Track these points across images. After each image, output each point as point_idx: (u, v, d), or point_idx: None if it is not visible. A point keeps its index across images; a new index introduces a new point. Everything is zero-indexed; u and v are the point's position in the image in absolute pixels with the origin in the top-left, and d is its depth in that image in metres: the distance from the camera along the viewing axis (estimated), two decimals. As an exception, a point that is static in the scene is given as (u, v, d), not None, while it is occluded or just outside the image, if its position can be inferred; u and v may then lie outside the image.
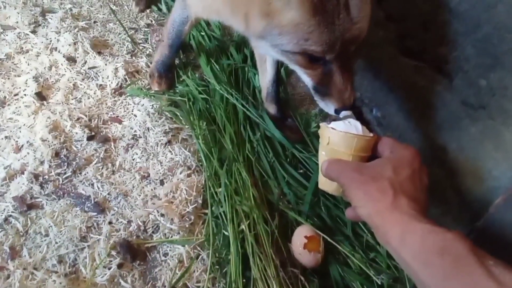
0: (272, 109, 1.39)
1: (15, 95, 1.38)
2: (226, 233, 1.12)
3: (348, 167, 0.78)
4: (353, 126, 0.85)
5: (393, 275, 1.07)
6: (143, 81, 1.50)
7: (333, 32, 0.81)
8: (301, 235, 1.09)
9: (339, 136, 0.83)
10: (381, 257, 1.11)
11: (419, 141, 1.21)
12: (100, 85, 1.46)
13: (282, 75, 1.53)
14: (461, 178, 1.07)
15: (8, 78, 1.41)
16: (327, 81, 0.90)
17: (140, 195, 1.20)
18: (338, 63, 0.87)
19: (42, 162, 1.22)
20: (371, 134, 0.84)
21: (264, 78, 1.37)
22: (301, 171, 1.30)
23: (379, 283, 1.06)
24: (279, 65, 1.35)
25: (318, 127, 1.41)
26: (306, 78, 0.95)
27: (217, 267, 1.08)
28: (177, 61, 1.55)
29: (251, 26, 0.89)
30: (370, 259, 1.11)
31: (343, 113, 0.91)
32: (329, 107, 0.94)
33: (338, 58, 0.86)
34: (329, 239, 1.09)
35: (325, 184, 0.89)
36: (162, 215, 1.16)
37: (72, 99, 1.41)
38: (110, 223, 1.14)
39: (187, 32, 1.35)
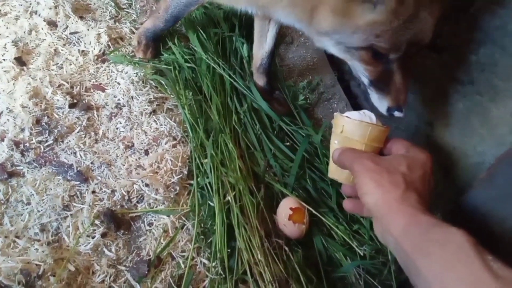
0: (261, 80, 1.36)
1: (-7, 59, 1.32)
2: (211, 204, 1.12)
3: (363, 155, 0.80)
4: (367, 117, 0.86)
5: (376, 247, 1.09)
6: (127, 48, 1.45)
7: (404, 34, 0.82)
8: (286, 207, 1.09)
9: (353, 124, 0.84)
10: (364, 229, 1.13)
11: (406, 116, 1.21)
12: (82, 51, 1.41)
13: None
14: (447, 154, 1.08)
15: (-15, 42, 1.35)
16: (385, 79, 0.91)
17: (124, 165, 1.18)
18: (399, 62, 0.88)
19: (22, 130, 1.18)
20: (385, 126, 0.85)
21: (261, 49, 1.33)
22: (288, 143, 1.29)
23: (362, 254, 1.08)
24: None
25: (306, 99, 1.42)
26: (364, 73, 0.94)
27: (202, 237, 1.09)
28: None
29: (317, 22, 0.88)
30: (354, 230, 1.13)
31: (396, 113, 0.92)
32: (382, 104, 0.94)
33: (400, 58, 0.87)
34: (313, 211, 1.10)
35: (335, 172, 0.89)
36: (147, 185, 1.15)
37: (53, 65, 1.36)
38: (93, 192, 1.12)
39: (191, 11, 1.30)
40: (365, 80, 0.96)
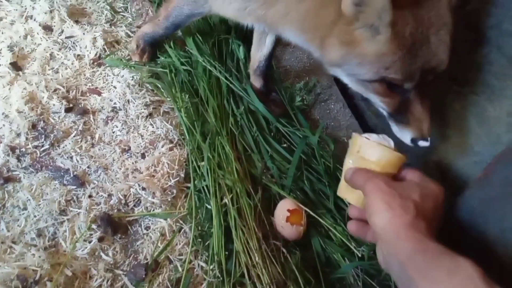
0: (258, 82, 1.36)
1: (-11, 65, 1.32)
2: (208, 206, 1.11)
3: (377, 176, 0.79)
4: (386, 141, 0.85)
5: (373, 248, 1.08)
6: (123, 52, 1.45)
7: (415, 63, 0.80)
8: (283, 209, 1.09)
9: (371, 146, 0.83)
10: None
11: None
12: (78, 55, 1.41)
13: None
14: (443, 153, 1.08)
15: (-19, 47, 1.35)
16: (404, 110, 0.88)
17: (120, 169, 1.18)
18: (417, 92, 0.86)
19: (18, 135, 1.18)
20: (402, 154, 0.84)
21: (259, 51, 1.33)
22: (285, 145, 1.29)
23: (360, 255, 1.08)
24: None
25: (302, 101, 1.42)
26: (381, 106, 0.92)
27: (200, 240, 1.08)
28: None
29: (327, 53, 0.87)
30: (352, 232, 1.12)
31: (421, 143, 0.89)
32: (405, 136, 0.91)
33: (417, 87, 0.85)
34: (311, 213, 1.10)
35: (346, 192, 0.88)
36: (144, 188, 1.14)
37: (49, 70, 1.36)
38: (90, 196, 1.12)
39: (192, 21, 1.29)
40: (385, 113, 0.94)
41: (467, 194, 0.89)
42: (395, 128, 0.93)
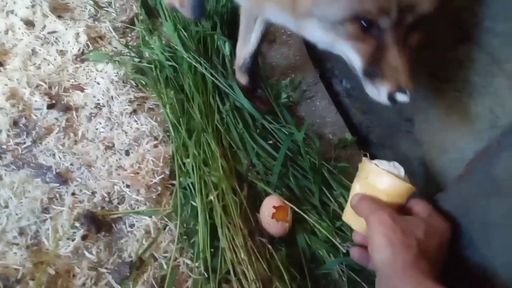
0: (244, 79, 1.36)
1: (-32, 60, 1.30)
2: (194, 204, 1.11)
3: (382, 209, 0.76)
4: (396, 169, 0.83)
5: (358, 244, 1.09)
6: (107, 48, 1.43)
7: None
8: (269, 205, 1.09)
9: (381, 173, 0.81)
10: (347, 226, 1.13)
11: (387, 113, 1.22)
12: (61, 50, 1.39)
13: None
14: (427, 150, 1.09)
15: (-40, 42, 1.32)
16: (380, 59, 0.78)
17: (104, 166, 1.17)
18: (394, 34, 0.75)
19: (-1, 131, 1.16)
20: (411, 184, 0.82)
21: (245, 48, 1.31)
22: (271, 142, 1.29)
23: (344, 251, 1.08)
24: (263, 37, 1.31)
25: (288, 98, 1.42)
26: (355, 58, 0.82)
27: (185, 237, 1.08)
28: (142, 26, 1.49)
29: (299, 3, 0.81)
30: (337, 227, 1.13)
31: (399, 97, 0.77)
32: (381, 93, 0.79)
33: (394, 29, 0.75)
34: (296, 209, 1.10)
35: (351, 218, 0.86)
36: (128, 186, 1.13)
37: (31, 65, 1.34)
38: (73, 194, 1.10)
39: None
40: (358, 69, 0.83)
41: (450, 191, 0.90)
42: (369, 88, 0.82)
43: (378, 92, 0.79)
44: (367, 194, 0.82)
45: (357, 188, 0.86)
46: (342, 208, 1.09)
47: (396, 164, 0.84)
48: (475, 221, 0.79)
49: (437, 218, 0.78)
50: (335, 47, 0.85)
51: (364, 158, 0.87)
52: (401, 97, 0.77)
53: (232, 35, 1.41)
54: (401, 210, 0.81)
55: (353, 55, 0.82)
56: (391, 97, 0.77)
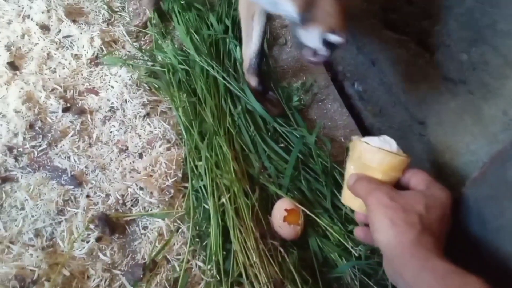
0: (253, 81, 1.36)
1: (-14, 65, 1.32)
2: (206, 206, 1.11)
3: (379, 189, 0.75)
4: (387, 143, 0.82)
5: (370, 247, 1.09)
6: (120, 51, 1.45)
7: None
8: (281, 208, 1.09)
9: (372, 151, 0.81)
10: (359, 230, 1.13)
11: (400, 115, 1.22)
12: (75, 54, 1.41)
13: (265, 48, 1.50)
14: (440, 153, 1.08)
15: (-22, 47, 1.35)
16: (313, 5, 0.75)
17: (118, 169, 1.18)
18: None
19: (16, 134, 1.19)
20: (405, 155, 0.81)
21: (248, 49, 1.33)
22: (282, 145, 1.29)
23: (357, 254, 1.08)
24: (265, 37, 1.32)
25: (300, 100, 1.42)
26: (289, 5, 0.80)
27: (197, 240, 1.08)
28: (155, 30, 1.51)
29: None
30: (348, 231, 1.12)
31: (332, 38, 0.74)
32: (313, 36, 0.77)
33: None
34: (308, 212, 1.10)
35: (349, 199, 0.86)
36: (141, 188, 1.14)
37: (46, 69, 1.36)
38: (87, 196, 1.12)
39: None
40: (294, 17, 0.81)
41: (464, 194, 0.90)
42: (303, 34, 0.80)
43: (311, 36, 0.78)
44: (363, 175, 0.81)
45: (351, 168, 0.85)
46: (353, 212, 1.09)
47: (387, 137, 0.83)
48: (489, 223, 0.78)
49: (436, 187, 0.77)
50: (274, 7, 0.83)
51: (354, 138, 0.87)
52: (335, 38, 0.75)
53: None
54: (399, 184, 0.80)
55: (290, 7, 0.80)
56: (324, 41, 0.76)
